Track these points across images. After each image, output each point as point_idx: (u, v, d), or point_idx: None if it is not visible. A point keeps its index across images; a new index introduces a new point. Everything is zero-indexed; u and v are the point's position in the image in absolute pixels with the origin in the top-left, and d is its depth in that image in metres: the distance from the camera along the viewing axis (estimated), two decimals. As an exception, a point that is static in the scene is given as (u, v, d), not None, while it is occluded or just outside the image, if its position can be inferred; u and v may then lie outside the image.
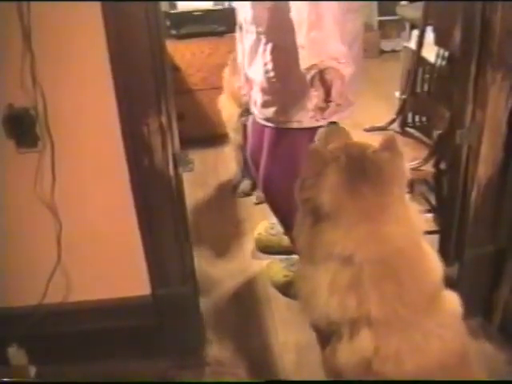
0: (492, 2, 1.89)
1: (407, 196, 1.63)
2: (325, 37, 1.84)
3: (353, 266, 1.48)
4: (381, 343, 1.52)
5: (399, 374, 1.51)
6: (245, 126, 3.34)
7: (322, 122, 2.08)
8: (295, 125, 2.22)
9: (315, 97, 1.83)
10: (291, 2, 1.90)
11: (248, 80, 2.36)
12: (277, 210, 2.56)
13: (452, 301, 1.64)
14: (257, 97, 2.30)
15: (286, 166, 2.28)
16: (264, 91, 2.24)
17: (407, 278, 1.51)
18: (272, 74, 2.17)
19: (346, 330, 1.55)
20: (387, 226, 1.49)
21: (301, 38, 1.86)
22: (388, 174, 1.51)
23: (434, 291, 1.58)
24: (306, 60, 1.85)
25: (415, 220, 1.58)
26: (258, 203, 3.44)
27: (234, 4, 2.38)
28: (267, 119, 2.28)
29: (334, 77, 1.79)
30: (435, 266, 1.60)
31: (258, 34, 2.18)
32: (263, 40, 2.16)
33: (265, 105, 2.26)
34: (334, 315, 1.53)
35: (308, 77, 1.83)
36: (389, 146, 1.54)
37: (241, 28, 2.34)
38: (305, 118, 2.13)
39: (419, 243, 1.58)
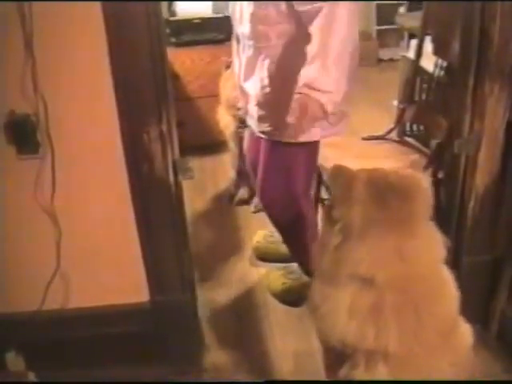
0: (492, 2, 1.90)
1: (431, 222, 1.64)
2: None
3: (374, 291, 1.49)
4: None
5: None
6: (241, 137, 3.38)
7: (316, 138, 2.15)
8: (288, 139, 2.23)
9: (291, 114, 1.99)
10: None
11: (244, 93, 2.36)
12: (273, 219, 2.57)
13: (465, 336, 1.63)
14: (253, 110, 2.31)
15: (280, 177, 2.32)
16: (260, 105, 2.25)
17: (426, 309, 1.51)
18: (268, 89, 2.18)
19: (362, 358, 1.54)
20: (410, 247, 1.50)
21: None
22: (411, 191, 1.53)
23: (450, 327, 1.58)
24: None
25: (437, 246, 1.60)
26: (255, 212, 3.44)
27: (231, 17, 2.37)
28: (262, 132, 2.29)
29: (307, 101, 1.89)
30: (453, 299, 1.60)
31: (256, 49, 2.18)
32: (261, 55, 2.17)
33: (260, 119, 2.27)
34: (352, 340, 1.52)
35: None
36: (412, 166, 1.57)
37: (238, 41, 2.35)
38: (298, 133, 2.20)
39: (439, 271, 1.59)
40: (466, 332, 1.64)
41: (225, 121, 3.56)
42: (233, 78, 3.00)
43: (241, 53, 2.32)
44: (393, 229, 1.49)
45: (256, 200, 3.35)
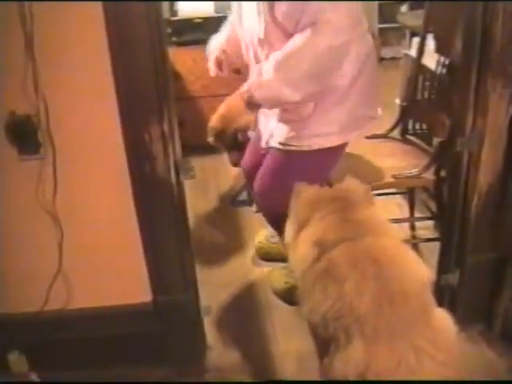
0: (494, 2, 1.90)
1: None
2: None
3: (329, 256, 1.67)
4: (372, 357, 1.55)
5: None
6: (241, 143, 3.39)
7: (331, 144, 2.22)
8: (305, 148, 2.29)
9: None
10: None
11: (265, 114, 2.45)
12: (271, 221, 2.61)
13: (441, 317, 1.66)
14: (269, 122, 2.38)
15: (285, 184, 2.33)
16: (279, 117, 2.32)
17: (391, 277, 1.60)
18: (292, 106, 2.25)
19: (341, 337, 1.61)
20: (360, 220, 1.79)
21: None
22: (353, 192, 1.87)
23: (423, 302, 1.63)
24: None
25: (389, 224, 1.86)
26: (257, 211, 3.43)
27: (237, 26, 2.42)
28: (279, 143, 2.34)
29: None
30: (421, 273, 1.67)
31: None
32: None
33: (278, 129, 2.34)
34: (320, 306, 1.64)
35: None
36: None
37: (247, 49, 2.38)
38: (314, 142, 2.27)
39: (402, 249, 1.73)
40: (441, 314, 1.70)
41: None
42: None
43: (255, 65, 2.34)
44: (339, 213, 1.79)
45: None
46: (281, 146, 2.34)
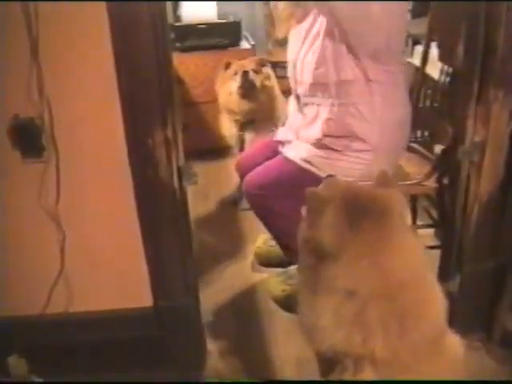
0: (496, 6, 1.91)
1: (408, 227, 1.67)
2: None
3: (357, 300, 1.49)
4: None
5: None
6: (242, 140, 3.41)
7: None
8: (322, 175, 2.32)
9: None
10: None
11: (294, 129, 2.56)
12: (259, 215, 2.65)
13: (454, 344, 1.63)
14: (301, 144, 2.47)
15: (279, 189, 2.45)
16: (314, 145, 2.41)
17: (410, 314, 1.51)
18: (328, 139, 2.36)
19: (350, 363, 1.54)
20: (389, 259, 1.49)
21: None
22: (384, 208, 1.52)
23: (437, 332, 1.57)
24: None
25: (418, 251, 1.60)
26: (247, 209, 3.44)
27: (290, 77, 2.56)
28: (303, 159, 2.42)
29: None
30: (439, 303, 1.59)
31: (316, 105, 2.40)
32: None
33: (308, 148, 2.43)
34: (340, 348, 1.53)
35: None
36: (381, 181, 1.60)
37: (297, 99, 2.55)
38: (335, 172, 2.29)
39: (423, 276, 1.58)
40: (454, 341, 1.64)
41: (225, 125, 3.59)
42: (229, 80, 3.35)
43: (303, 109, 2.51)
44: (367, 247, 1.48)
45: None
46: (301, 163, 2.40)
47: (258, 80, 3.46)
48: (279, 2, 2.63)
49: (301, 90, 2.47)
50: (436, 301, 1.58)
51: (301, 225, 1.63)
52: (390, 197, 1.57)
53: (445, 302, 1.59)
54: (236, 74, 3.47)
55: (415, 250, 1.58)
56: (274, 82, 3.59)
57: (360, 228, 1.48)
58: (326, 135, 2.36)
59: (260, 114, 3.48)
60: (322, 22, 2.27)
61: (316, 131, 2.39)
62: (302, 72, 2.40)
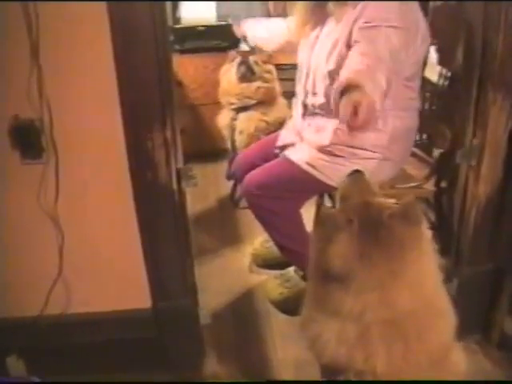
0: (495, 1, 1.91)
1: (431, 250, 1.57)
2: (369, 69, 1.99)
3: (361, 323, 1.47)
4: None
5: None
6: (233, 130, 3.44)
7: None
8: (323, 180, 2.37)
9: (342, 110, 1.90)
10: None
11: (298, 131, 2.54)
12: (256, 214, 2.63)
13: (458, 365, 1.61)
14: (305, 147, 2.45)
15: (278, 190, 2.44)
16: (319, 149, 2.39)
17: (415, 340, 1.48)
18: (335, 147, 2.34)
19: (352, 376, 1.53)
20: (397, 293, 1.45)
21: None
22: (402, 241, 1.44)
23: (442, 355, 1.54)
24: (343, 79, 1.98)
25: (429, 278, 1.54)
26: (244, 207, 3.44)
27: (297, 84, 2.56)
28: (306, 162, 2.39)
29: (361, 97, 1.86)
30: (447, 326, 1.56)
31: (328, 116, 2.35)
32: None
33: (312, 152, 2.40)
34: (341, 362, 1.52)
35: (339, 89, 1.94)
36: (407, 211, 1.45)
37: (305, 107, 2.51)
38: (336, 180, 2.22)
39: (431, 304, 1.53)
40: (459, 361, 1.62)
41: (221, 115, 3.60)
42: (232, 72, 3.40)
43: (313, 118, 2.47)
44: (378, 276, 1.44)
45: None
46: (304, 166, 2.39)
47: (257, 68, 3.48)
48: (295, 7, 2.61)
49: (310, 101, 2.44)
50: (443, 322, 1.56)
51: (311, 242, 1.57)
52: (409, 230, 1.46)
53: (455, 322, 1.56)
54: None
55: (428, 280, 1.53)
56: (274, 78, 3.58)
57: (371, 259, 1.43)
58: (333, 143, 2.34)
59: (256, 100, 3.49)
60: (342, 31, 2.23)
61: (323, 138, 2.36)
62: (315, 84, 2.38)
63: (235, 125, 3.48)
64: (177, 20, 4.42)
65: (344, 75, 1.98)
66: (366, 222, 1.46)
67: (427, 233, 1.53)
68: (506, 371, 2.19)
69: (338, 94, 1.92)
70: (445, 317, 1.57)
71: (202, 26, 4.29)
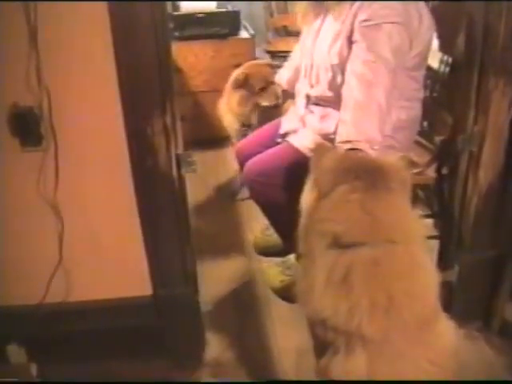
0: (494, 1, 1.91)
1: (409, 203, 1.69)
2: (367, 120, 2.06)
3: (345, 258, 1.52)
4: (373, 368, 1.52)
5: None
6: (245, 135, 3.38)
7: None
8: None
9: None
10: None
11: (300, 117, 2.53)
12: (259, 203, 2.63)
13: (445, 332, 1.62)
14: (308, 133, 2.44)
15: (281, 176, 2.42)
16: (324, 138, 2.35)
17: (399, 288, 1.50)
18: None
19: (342, 344, 1.55)
20: (379, 208, 1.55)
21: (345, 114, 2.11)
22: (386, 172, 1.62)
23: (429, 315, 1.56)
24: (343, 135, 2.09)
25: (411, 216, 1.66)
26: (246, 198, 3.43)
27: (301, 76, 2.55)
28: (310, 149, 2.37)
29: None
30: (430, 285, 1.58)
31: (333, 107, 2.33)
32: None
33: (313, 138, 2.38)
34: (326, 315, 1.54)
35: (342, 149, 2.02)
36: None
37: (308, 99, 2.49)
38: None
39: (417, 250, 1.58)
40: (446, 329, 1.63)
41: (228, 119, 3.55)
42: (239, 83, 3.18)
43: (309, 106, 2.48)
44: (360, 193, 1.56)
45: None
46: (306, 151, 2.35)
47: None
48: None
49: (313, 92, 2.42)
50: (426, 278, 1.59)
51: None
52: (392, 162, 1.66)
53: (438, 277, 1.60)
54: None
55: (408, 215, 1.64)
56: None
57: (356, 178, 1.57)
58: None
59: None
60: (342, 26, 2.19)
61: (328, 126, 2.33)
62: (318, 77, 2.36)
63: (247, 131, 3.37)
64: (176, 7, 4.40)
65: (342, 133, 2.10)
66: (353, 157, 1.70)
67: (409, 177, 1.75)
68: (507, 358, 2.18)
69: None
70: (428, 270, 1.61)
71: (202, 12, 4.27)
